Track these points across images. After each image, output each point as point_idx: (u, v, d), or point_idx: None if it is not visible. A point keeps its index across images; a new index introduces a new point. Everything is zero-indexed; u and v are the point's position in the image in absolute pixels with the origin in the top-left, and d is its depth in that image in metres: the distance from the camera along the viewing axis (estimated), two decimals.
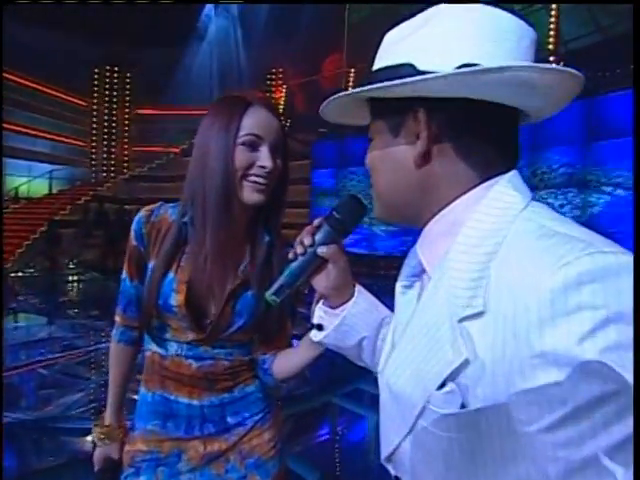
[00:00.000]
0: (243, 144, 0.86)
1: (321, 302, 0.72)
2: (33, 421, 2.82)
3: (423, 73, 0.46)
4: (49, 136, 13.76)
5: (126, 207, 11.45)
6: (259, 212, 0.93)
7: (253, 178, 0.86)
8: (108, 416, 1.03)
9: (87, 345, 4.52)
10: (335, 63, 12.82)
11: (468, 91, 0.46)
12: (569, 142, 7.37)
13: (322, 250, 0.67)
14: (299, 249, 0.67)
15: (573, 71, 0.44)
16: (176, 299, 0.87)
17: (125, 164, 15.42)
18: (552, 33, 7.96)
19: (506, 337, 0.40)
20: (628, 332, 0.35)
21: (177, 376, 0.91)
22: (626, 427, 0.35)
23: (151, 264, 0.92)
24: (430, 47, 0.48)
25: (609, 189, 7.02)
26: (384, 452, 0.54)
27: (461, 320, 0.44)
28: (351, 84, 11.04)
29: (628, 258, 0.38)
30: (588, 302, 0.36)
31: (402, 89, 0.47)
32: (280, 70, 14.47)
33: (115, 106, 15.52)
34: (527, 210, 0.46)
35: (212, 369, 0.92)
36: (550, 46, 8.04)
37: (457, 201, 0.50)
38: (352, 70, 11.38)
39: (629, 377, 0.35)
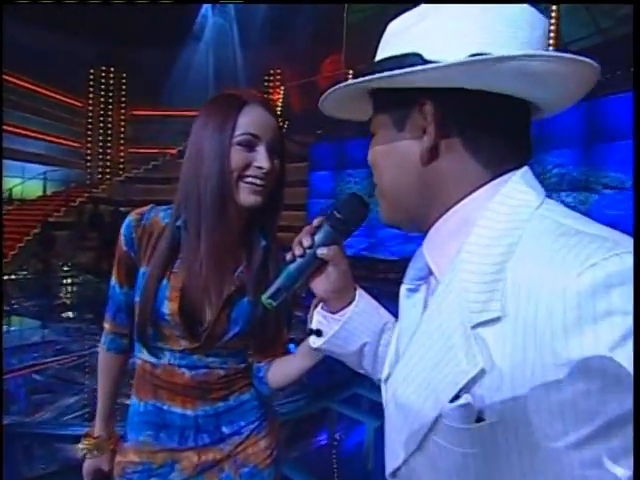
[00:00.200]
0: (239, 144, 0.82)
1: (320, 306, 0.69)
2: (25, 426, 2.77)
3: (430, 63, 0.43)
4: (43, 137, 13.64)
5: (121, 209, 11.36)
6: (255, 215, 0.90)
7: (250, 179, 0.83)
8: (98, 427, 0.99)
9: (81, 349, 4.46)
10: (333, 64, 12.81)
11: (480, 81, 0.43)
12: (569, 145, 7.39)
13: (322, 251, 0.63)
14: (298, 250, 0.64)
15: (589, 61, 0.41)
16: (169, 307, 0.84)
17: (120, 165, 15.29)
18: (552, 35, 8.01)
19: (527, 344, 0.37)
20: None
21: (170, 385, 0.88)
22: None
23: (142, 270, 0.88)
24: (438, 36, 0.45)
25: (610, 191, 7.05)
26: (389, 467, 0.51)
27: (475, 326, 0.41)
28: None
29: None
30: (618, 307, 0.33)
31: (409, 79, 0.44)
32: (278, 71, 14.47)
33: (110, 107, 15.40)
34: (543, 207, 0.43)
35: (206, 378, 0.89)
36: (550, 47, 8.10)
37: (467, 199, 0.47)
38: (351, 71, 11.36)
39: None
